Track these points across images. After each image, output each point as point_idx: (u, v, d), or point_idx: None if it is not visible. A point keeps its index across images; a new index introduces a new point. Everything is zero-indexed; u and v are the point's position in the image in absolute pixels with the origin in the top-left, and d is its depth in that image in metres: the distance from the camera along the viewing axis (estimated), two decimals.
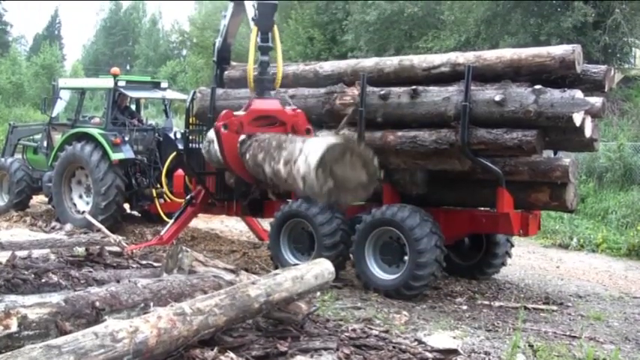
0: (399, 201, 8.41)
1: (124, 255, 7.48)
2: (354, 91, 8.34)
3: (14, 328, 4.06)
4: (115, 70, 12.49)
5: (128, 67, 65.64)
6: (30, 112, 35.93)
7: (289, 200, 8.94)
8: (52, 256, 6.87)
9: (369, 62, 8.81)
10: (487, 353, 6.03)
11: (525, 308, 7.68)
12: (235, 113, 6.80)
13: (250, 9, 7.37)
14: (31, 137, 14.22)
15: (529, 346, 6.24)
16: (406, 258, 7.99)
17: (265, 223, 10.99)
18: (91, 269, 6.43)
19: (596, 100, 7.34)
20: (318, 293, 6.94)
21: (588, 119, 7.26)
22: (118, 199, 11.50)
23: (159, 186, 11.86)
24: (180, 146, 10.99)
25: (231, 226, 13.26)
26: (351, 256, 8.43)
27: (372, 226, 8.18)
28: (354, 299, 7.88)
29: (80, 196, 12.10)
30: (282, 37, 28.96)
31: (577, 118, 7.07)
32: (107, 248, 7.55)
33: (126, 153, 11.63)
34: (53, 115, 13.42)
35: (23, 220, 12.56)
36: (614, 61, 21.49)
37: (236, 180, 8.73)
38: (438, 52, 19.09)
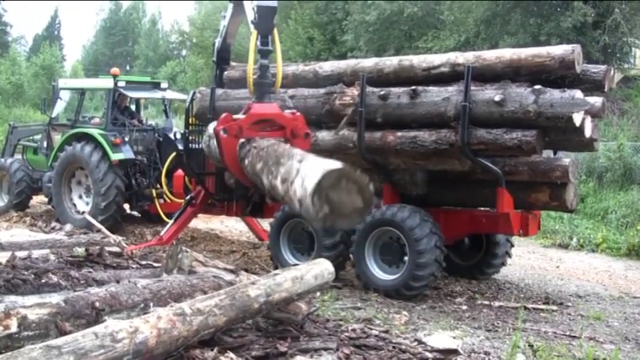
0: (399, 201, 8.41)
1: (123, 255, 7.48)
2: (354, 91, 8.34)
3: (14, 328, 4.06)
4: (115, 70, 12.49)
5: (128, 68, 65.66)
6: (30, 113, 35.96)
7: None
8: (52, 257, 6.87)
9: (368, 62, 8.81)
10: (487, 353, 6.03)
11: (525, 308, 7.68)
12: (234, 117, 6.79)
13: (250, 11, 7.36)
14: (31, 138, 14.22)
15: (529, 346, 6.24)
16: (406, 258, 7.99)
17: (265, 224, 10.99)
18: (91, 270, 6.43)
19: (596, 100, 7.34)
20: (318, 293, 6.94)
21: (588, 119, 7.26)
22: (118, 199, 11.50)
23: (159, 186, 11.86)
24: (180, 146, 11.00)
25: (231, 226, 13.26)
26: (351, 256, 8.44)
27: (372, 227, 8.18)
28: (353, 299, 7.88)
29: (80, 197, 12.09)
30: (282, 37, 29.06)
31: (577, 118, 7.07)
32: (107, 249, 7.54)
33: (126, 153, 11.63)
34: (53, 116, 13.42)
35: (23, 221, 12.56)
36: (613, 61, 21.50)
37: (236, 181, 8.73)
38: (438, 52, 19.09)
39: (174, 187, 11.47)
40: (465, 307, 7.86)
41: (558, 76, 7.45)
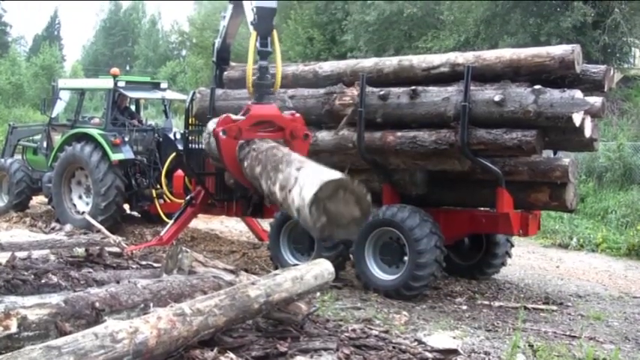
0: (399, 201, 8.41)
1: (123, 255, 7.48)
2: (354, 91, 8.34)
3: (14, 329, 4.06)
4: (115, 70, 12.49)
5: (128, 68, 65.68)
6: (29, 113, 35.97)
7: None
8: (52, 257, 6.87)
9: (368, 62, 8.81)
10: (487, 353, 6.04)
11: (525, 308, 7.68)
12: (234, 118, 6.79)
13: (249, 12, 7.36)
14: (31, 138, 14.22)
15: (529, 346, 6.24)
16: (406, 258, 7.99)
17: (265, 224, 11.00)
18: (91, 270, 6.43)
19: (596, 100, 7.34)
20: (318, 294, 6.94)
21: (588, 119, 7.26)
22: (118, 199, 11.50)
23: (159, 186, 11.86)
24: (180, 147, 11.00)
25: (231, 226, 13.26)
26: (350, 256, 8.44)
27: (371, 227, 8.18)
28: (353, 299, 7.88)
29: (80, 197, 12.09)
30: (282, 37, 29.06)
31: (576, 118, 7.07)
32: (107, 249, 7.55)
33: (125, 153, 11.63)
34: (53, 116, 13.42)
35: (23, 221, 12.56)
36: (613, 61, 21.51)
37: (235, 181, 8.73)
38: (438, 52, 19.10)
39: (174, 187, 11.47)
40: (465, 307, 7.86)
41: (558, 76, 7.45)
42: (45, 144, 13.26)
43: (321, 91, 8.61)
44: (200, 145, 9.33)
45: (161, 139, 12.39)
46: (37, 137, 13.95)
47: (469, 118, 7.47)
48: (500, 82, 7.58)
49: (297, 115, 7.02)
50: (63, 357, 3.56)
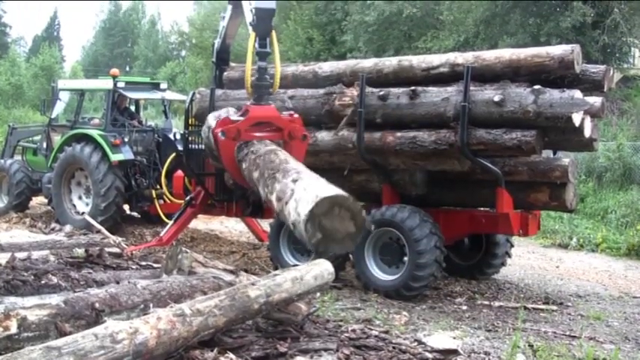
0: (399, 202, 8.41)
1: (123, 256, 7.48)
2: (353, 91, 8.34)
3: (14, 329, 4.06)
4: (115, 71, 12.49)
5: (127, 68, 65.69)
6: (29, 114, 35.97)
7: None
8: (52, 258, 6.87)
9: (368, 63, 8.81)
10: (487, 353, 6.04)
11: (525, 308, 7.68)
12: (233, 118, 6.79)
13: (248, 13, 7.35)
14: (31, 139, 14.22)
15: (529, 346, 6.24)
16: (406, 259, 7.99)
17: (265, 224, 11.00)
18: (91, 270, 6.43)
19: (596, 100, 7.34)
20: (318, 294, 6.93)
21: (587, 119, 7.26)
22: (118, 200, 11.50)
23: (158, 187, 11.86)
24: (180, 147, 11.00)
25: (231, 227, 13.26)
26: (350, 256, 8.43)
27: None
28: (353, 300, 7.88)
29: (80, 198, 12.09)
30: (281, 37, 29.07)
31: (576, 118, 7.07)
32: (107, 249, 7.55)
33: (125, 154, 11.63)
34: (52, 117, 13.42)
35: (23, 222, 12.56)
36: (613, 61, 21.53)
37: (235, 181, 8.73)
38: (437, 52, 19.10)
39: (173, 187, 11.47)
40: (464, 307, 7.86)
41: (558, 76, 7.45)
42: (45, 145, 13.26)
43: (321, 91, 8.61)
44: (200, 146, 9.33)
45: (161, 140, 12.39)
46: (37, 138, 13.95)
47: (469, 118, 7.47)
48: (499, 82, 7.58)
49: (296, 115, 7.02)
50: (63, 357, 3.56)
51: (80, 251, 7.55)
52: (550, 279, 9.80)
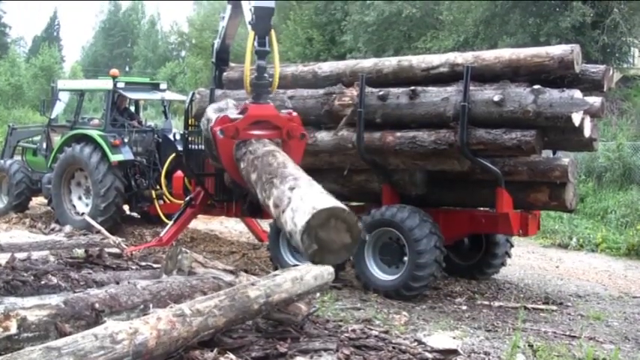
0: (399, 201, 8.41)
1: (123, 256, 7.48)
2: (353, 91, 8.34)
3: (14, 330, 4.06)
4: (114, 71, 12.49)
5: (127, 69, 65.67)
6: (29, 114, 35.97)
7: None
8: (52, 258, 6.87)
9: (367, 63, 8.81)
10: (487, 353, 6.03)
11: (525, 308, 7.68)
12: (231, 117, 6.80)
13: (247, 12, 7.36)
14: (31, 139, 14.22)
15: (529, 346, 6.24)
16: (406, 259, 7.99)
17: (265, 224, 11.00)
18: (91, 271, 6.43)
19: (595, 100, 7.34)
20: (318, 294, 6.93)
21: (587, 119, 7.26)
22: (118, 200, 11.50)
23: (158, 187, 11.86)
24: (180, 147, 10.99)
25: (231, 227, 13.26)
26: (350, 256, 8.42)
27: (371, 227, 8.18)
28: (353, 300, 7.88)
29: (79, 198, 12.10)
30: (281, 38, 29.08)
31: (576, 117, 7.07)
32: (106, 250, 7.55)
33: (125, 154, 11.63)
34: (52, 117, 13.43)
35: (22, 222, 12.56)
36: (612, 61, 21.53)
37: (232, 180, 8.72)
38: (437, 52, 19.10)
39: (173, 188, 11.47)
40: (464, 307, 7.86)
41: (557, 76, 7.45)
42: (44, 145, 13.26)
43: (321, 91, 8.61)
44: (200, 146, 9.33)
45: (160, 140, 12.39)
46: (37, 138, 13.95)
47: (468, 118, 7.47)
48: (499, 82, 7.58)
49: (294, 114, 7.02)
50: (63, 358, 3.56)
51: (80, 252, 7.56)
52: (550, 279, 9.80)
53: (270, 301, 5.19)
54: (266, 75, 7.05)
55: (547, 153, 8.37)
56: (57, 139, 12.76)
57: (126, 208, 12.26)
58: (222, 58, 10.07)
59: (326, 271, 5.89)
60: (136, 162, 11.99)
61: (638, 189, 14.92)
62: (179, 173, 11.35)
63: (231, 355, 4.64)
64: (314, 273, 5.72)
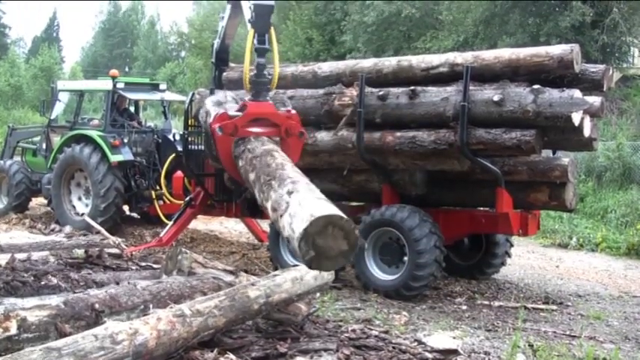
0: (399, 201, 8.41)
1: (123, 257, 7.49)
2: (353, 91, 8.34)
3: (14, 330, 4.06)
4: (114, 72, 12.49)
5: (127, 69, 65.67)
6: (29, 115, 35.98)
7: None
8: (52, 259, 6.88)
9: (367, 63, 8.81)
10: (487, 353, 6.03)
11: (525, 308, 7.68)
12: (230, 114, 6.80)
13: (247, 10, 7.36)
14: (30, 139, 14.22)
15: (529, 345, 6.24)
16: (406, 258, 7.99)
17: (265, 225, 10.99)
18: (91, 271, 6.44)
19: (595, 100, 7.34)
20: (318, 294, 6.94)
21: (587, 119, 7.26)
22: (118, 200, 11.50)
23: (158, 188, 11.85)
24: (180, 148, 10.99)
25: (231, 227, 13.26)
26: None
27: (371, 227, 8.18)
28: (353, 300, 7.88)
29: (79, 198, 12.09)
30: (281, 38, 29.08)
31: (576, 117, 7.07)
32: (106, 250, 7.56)
33: (125, 155, 11.63)
34: (52, 118, 13.42)
35: (22, 223, 12.56)
36: (612, 61, 21.53)
37: (230, 177, 8.70)
38: (437, 52, 19.10)
39: (173, 188, 11.47)
40: (464, 307, 7.86)
41: (557, 75, 7.45)
42: (44, 145, 13.26)
43: (321, 91, 8.60)
44: (200, 146, 9.32)
45: (160, 141, 12.39)
46: (37, 139, 13.95)
47: (468, 118, 7.46)
48: (499, 81, 7.58)
49: (293, 112, 7.02)
50: (63, 358, 3.56)
51: (80, 252, 7.57)
52: (550, 279, 9.80)
53: (270, 301, 5.20)
54: (265, 73, 7.05)
55: (547, 153, 8.37)
56: (57, 140, 12.75)
57: (126, 208, 12.25)
58: (221, 59, 10.06)
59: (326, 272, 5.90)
60: (136, 162, 11.98)
61: (638, 188, 14.91)
62: (179, 173, 11.35)
63: (232, 355, 4.64)
64: (314, 273, 5.73)
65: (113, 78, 12.11)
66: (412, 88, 7.92)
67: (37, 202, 14.03)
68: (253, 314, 5.09)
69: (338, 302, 7.60)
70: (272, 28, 7.08)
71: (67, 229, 11.29)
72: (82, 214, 11.42)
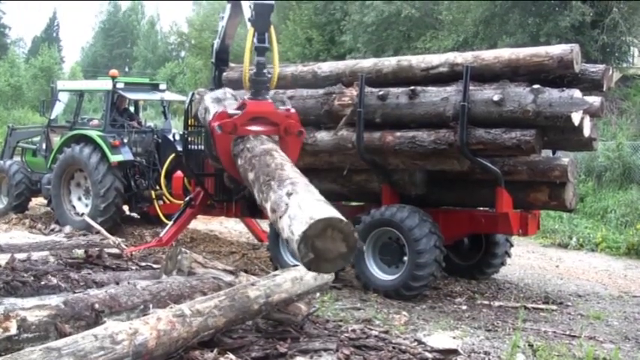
0: (398, 201, 8.41)
1: (123, 257, 7.48)
2: (353, 91, 8.34)
3: (14, 330, 4.06)
4: (114, 72, 12.49)
5: (127, 69, 65.65)
6: (29, 115, 36.00)
7: None
8: (52, 259, 6.88)
9: (367, 63, 8.81)
10: (487, 353, 6.03)
11: (525, 308, 7.68)
12: (230, 112, 6.80)
13: (247, 10, 7.36)
14: (30, 140, 14.23)
15: (529, 345, 6.24)
16: (405, 258, 7.99)
17: (264, 225, 10.99)
18: (91, 271, 6.44)
19: (595, 100, 7.34)
20: (318, 294, 6.94)
21: (587, 118, 7.26)
22: (117, 201, 11.50)
23: (158, 188, 11.85)
24: (179, 148, 10.99)
25: (231, 227, 13.26)
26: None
27: (371, 227, 8.18)
28: (353, 300, 7.88)
29: (79, 198, 12.10)
30: (281, 38, 29.08)
31: (575, 117, 7.07)
32: (106, 250, 7.56)
33: (125, 155, 11.63)
34: (52, 118, 13.42)
35: (22, 223, 12.56)
36: (612, 60, 21.53)
37: (228, 175, 8.69)
38: (436, 52, 19.10)
39: (173, 188, 11.46)
40: (464, 307, 7.86)
41: (557, 75, 7.45)
42: (44, 146, 13.26)
43: (320, 91, 8.60)
44: (200, 146, 9.32)
45: (160, 141, 12.39)
46: (36, 139, 13.95)
47: (468, 117, 7.46)
48: (499, 81, 7.58)
49: (293, 111, 7.02)
50: (62, 358, 3.56)
51: (80, 252, 7.57)
52: (550, 278, 9.80)
53: (270, 301, 5.20)
54: (265, 71, 7.05)
55: (547, 153, 8.37)
56: (56, 140, 12.76)
57: (125, 208, 12.25)
58: (221, 59, 10.05)
59: None
60: (136, 162, 11.98)
61: (638, 188, 14.91)
62: (179, 173, 11.35)
63: (231, 355, 4.64)
64: (314, 273, 5.73)
65: (113, 78, 12.11)
66: (412, 88, 7.91)
67: (37, 202, 14.03)
68: (253, 314, 5.09)
69: (338, 302, 7.60)
70: (272, 27, 7.08)
71: (67, 229, 11.30)
72: (82, 214, 11.42)
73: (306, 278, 5.66)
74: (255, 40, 6.96)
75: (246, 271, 7.21)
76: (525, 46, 8.72)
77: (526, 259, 11.11)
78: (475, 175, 8.12)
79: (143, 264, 7.20)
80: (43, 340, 4.13)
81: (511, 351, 5.78)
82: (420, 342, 5.78)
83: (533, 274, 10.07)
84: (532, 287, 9.14)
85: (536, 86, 7.28)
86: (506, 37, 21.75)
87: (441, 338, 6.02)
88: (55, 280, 5.64)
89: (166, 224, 10.49)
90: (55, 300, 4.58)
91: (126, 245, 9.06)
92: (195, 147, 9.62)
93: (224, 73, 9.96)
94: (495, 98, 7.37)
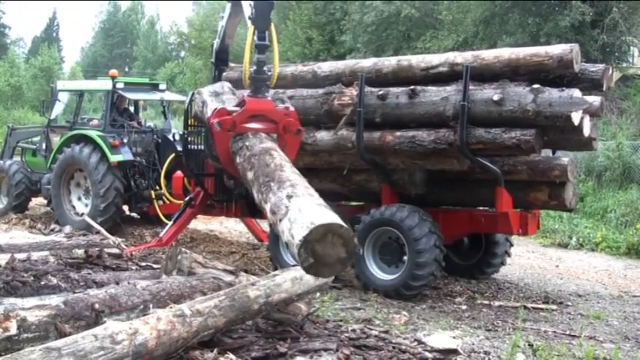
0: (398, 201, 8.41)
1: (123, 257, 7.48)
2: (353, 91, 8.34)
3: (13, 330, 4.06)
4: (114, 72, 12.48)
5: (126, 69, 65.58)
6: (28, 115, 36.00)
7: None
8: (51, 259, 6.87)
9: (367, 63, 8.81)
10: (487, 353, 6.03)
11: (525, 308, 7.68)
12: (229, 109, 6.80)
13: (247, 8, 7.37)
14: (30, 140, 14.22)
15: (529, 345, 6.24)
16: (405, 258, 7.99)
17: (264, 224, 10.99)
18: (90, 271, 6.44)
19: (595, 99, 7.34)
20: (318, 294, 6.94)
21: (587, 118, 7.26)
22: (117, 200, 11.49)
23: (158, 188, 11.85)
24: (179, 148, 10.99)
25: (231, 227, 13.26)
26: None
27: (371, 227, 8.18)
28: (353, 300, 7.88)
29: (79, 198, 12.09)
30: (281, 38, 29.07)
31: (575, 117, 7.07)
32: (106, 250, 7.56)
33: (125, 155, 11.62)
34: (52, 118, 13.42)
35: (22, 223, 12.56)
36: (612, 60, 21.53)
37: (229, 174, 8.69)
38: (436, 52, 19.10)
39: (173, 188, 11.45)
40: (464, 307, 7.86)
41: (557, 75, 7.45)
42: (44, 146, 13.26)
43: (320, 91, 8.60)
44: (199, 146, 9.32)
45: (160, 141, 12.38)
46: (36, 139, 13.94)
47: (468, 117, 7.46)
48: (498, 81, 7.58)
49: (292, 109, 7.02)
50: (62, 358, 3.56)
51: (80, 252, 7.57)
52: (550, 278, 9.80)
53: (270, 301, 5.20)
54: (265, 69, 7.05)
55: (546, 152, 8.37)
56: (56, 140, 12.75)
57: (125, 208, 12.25)
58: (221, 58, 10.05)
59: None
60: (136, 162, 11.98)
61: (638, 188, 14.91)
62: (178, 173, 11.34)
63: (231, 355, 4.64)
64: None
65: (113, 78, 12.11)
66: (412, 87, 7.91)
67: (37, 202, 14.03)
68: (253, 314, 5.09)
69: (338, 302, 7.60)
70: (272, 25, 7.09)
71: (67, 229, 11.30)
72: (82, 214, 11.42)
73: (305, 278, 5.66)
74: (255, 38, 6.97)
75: (246, 271, 7.21)
76: (525, 46, 8.72)
77: (526, 259, 11.11)
78: (475, 174, 8.12)
79: (143, 264, 7.20)
80: (43, 340, 4.13)
81: (511, 351, 5.78)
82: (420, 342, 5.79)
83: (533, 273, 10.07)
84: (532, 287, 9.14)
85: (536, 86, 7.28)
86: (506, 37, 21.75)
87: (441, 338, 6.02)
88: (55, 280, 5.64)
89: (166, 224, 10.48)
90: (55, 300, 4.58)
91: (126, 245, 9.06)
92: (195, 147, 9.61)
93: (224, 73, 9.96)
94: (495, 98, 7.37)
